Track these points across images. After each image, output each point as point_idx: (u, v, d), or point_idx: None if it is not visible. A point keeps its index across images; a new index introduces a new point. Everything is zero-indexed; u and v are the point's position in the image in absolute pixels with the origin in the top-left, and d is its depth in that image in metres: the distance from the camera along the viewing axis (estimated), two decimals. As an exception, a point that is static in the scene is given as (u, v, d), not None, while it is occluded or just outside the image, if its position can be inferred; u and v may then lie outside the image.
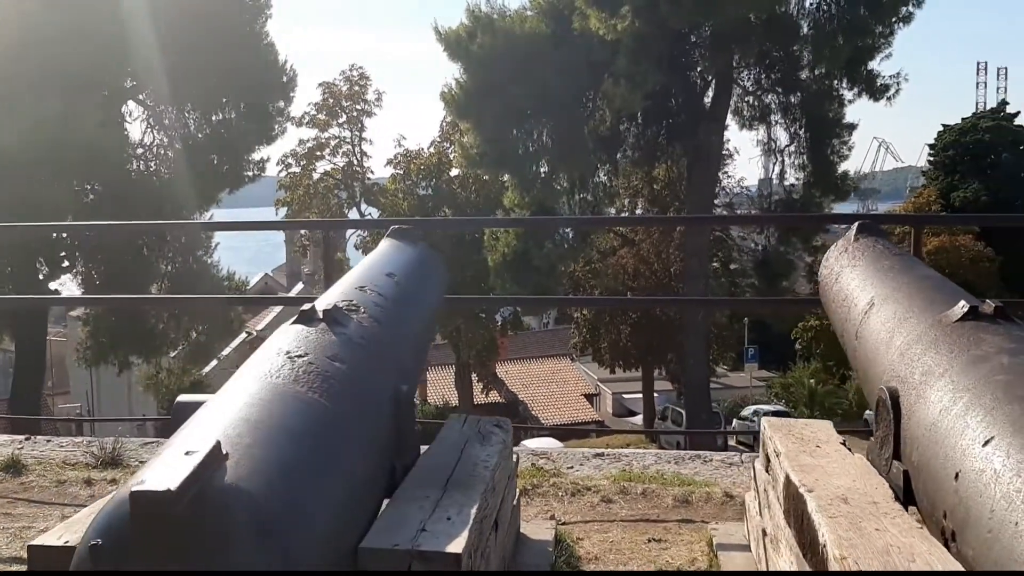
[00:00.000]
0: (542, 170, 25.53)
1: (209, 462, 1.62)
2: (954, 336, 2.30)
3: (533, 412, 40.13)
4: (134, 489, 1.52)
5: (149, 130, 22.30)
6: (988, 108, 51.95)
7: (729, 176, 32.02)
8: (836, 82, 24.92)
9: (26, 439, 5.53)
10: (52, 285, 21.37)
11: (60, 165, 18.37)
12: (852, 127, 25.88)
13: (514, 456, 3.31)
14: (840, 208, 27.16)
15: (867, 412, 31.05)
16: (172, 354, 25.03)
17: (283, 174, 38.03)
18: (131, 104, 22.02)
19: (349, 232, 33.02)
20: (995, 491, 1.73)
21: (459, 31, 23.88)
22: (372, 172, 39.53)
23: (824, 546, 2.00)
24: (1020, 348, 2.15)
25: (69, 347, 36.08)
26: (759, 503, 3.08)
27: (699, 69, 25.91)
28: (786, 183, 27.07)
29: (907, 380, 2.32)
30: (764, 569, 2.94)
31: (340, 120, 38.40)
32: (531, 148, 25.05)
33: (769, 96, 26.36)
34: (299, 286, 49.40)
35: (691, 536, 3.65)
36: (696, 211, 25.02)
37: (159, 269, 22.03)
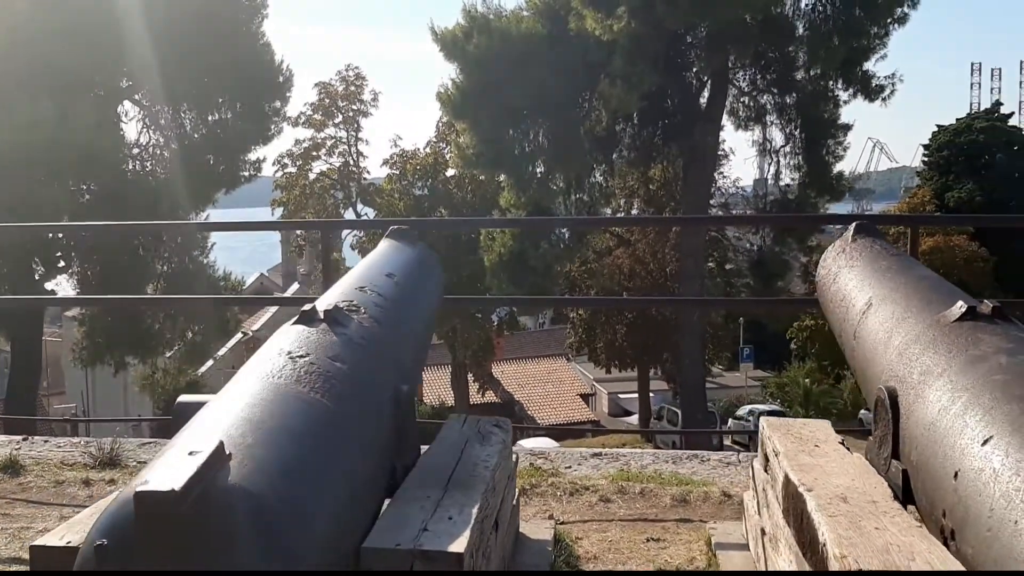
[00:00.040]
0: (538, 170, 25.53)
1: (212, 462, 1.62)
2: (952, 336, 2.32)
3: (529, 412, 40.15)
4: (139, 489, 1.52)
5: (145, 130, 22.27)
6: (982, 109, 52.11)
7: (725, 176, 32.11)
8: (831, 83, 24.99)
9: (23, 439, 5.52)
10: (48, 285, 21.32)
11: (56, 165, 18.32)
12: (847, 128, 25.96)
13: (514, 456, 3.32)
14: (835, 208, 27.24)
15: (862, 411, 31.13)
16: (168, 354, 24.98)
17: (279, 174, 38.00)
18: (127, 104, 21.98)
19: (345, 232, 33.00)
20: (994, 490, 1.75)
21: (455, 31, 23.88)
22: (368, 172, 39.55)
23: (824, 545, 2.01)
24: (1018, 348, 2.17)
25: (64, 347, 35.99)
26: (758, 502, 3.09)
27: (695, 70, 25.95)
28: (781, 183, 27.13)
29: (906, 380, 2.33)
30: (763, 568, 2.95)
31: (336, 120, 38.38)
32: (527, 148, 25.06)
33: (765, 97, 26.42)
34: (295, 286, 49.34)
35: (689, 535, 3.66)
36: (692, 211, 25.06)
37: (155, 269, 21.98)
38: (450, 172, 35.12)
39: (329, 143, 38.63)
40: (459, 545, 2.04)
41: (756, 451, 5.20)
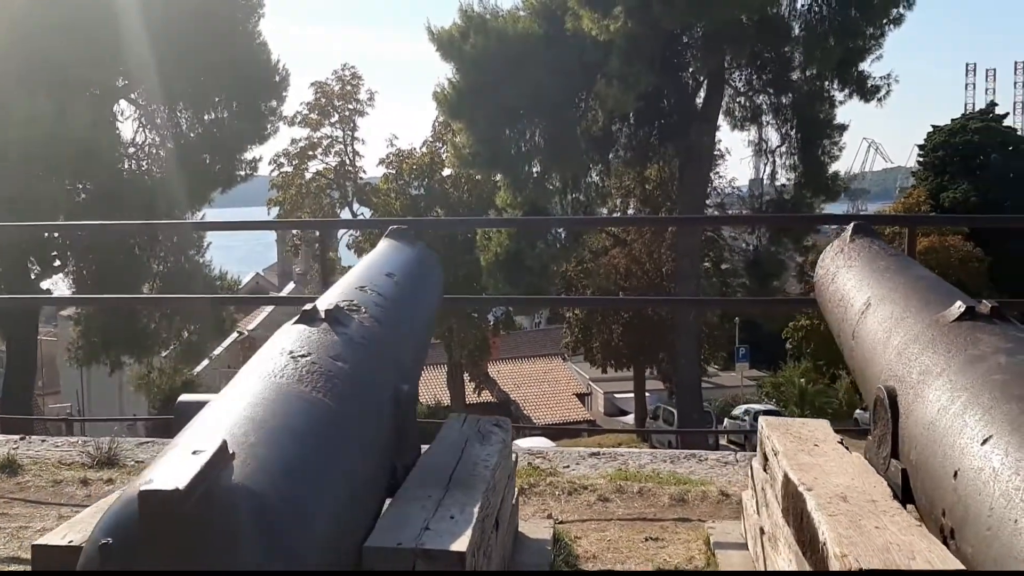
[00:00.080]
0: (534, 170, 25.54)
1: (216, 461, 1.63)
2: (951, 336, 2.33)
3: (525, 412, 40.15)
4: (143, 488, 1.52)
5: (141, 129, 22.22)
6: (977, 109, 52.29)
7: (721, 176, 32.15)
8: (827, 83, 25.04)
9: (21, 439, 5.52)
10: (44, 284, 21.27)
11: (52, 164, 18.28)
12: (843, 128, 26.01)
13: (513, 455, 3.33)
14: (829, 209, 27.29)
15: (858, 411, 31.23)
16: (163, 354, 24.95)
17: (275, 173, 37.96)
18: (123, 103, 21.94)
19: (341, 232, 33.00)
20: (994, 489, 1.76)
21: (452, 31, 23.87)
22: (364, 172, 39.52)
23: (824, 544, 2.02)
24: (1017, 348, 2.18)
25: (59, 347, 35.91)
26: (757, 502, 3.10)
27: (691, 70, 25.98)
28: (777, 183, 27.18)
29: (905, 379, 2.34)
30: (762, 567, 2.96)
31: (332, 120, 38.36)
32: (523, 148, 25.06)
33: (760, 97, 26.45)
34: (291, 285, 49.28)
35: (688, 535, 3.67)
36: (688, 211, 25.09)
37: (151, 269, 21.95)
38: (446, 172, 35.11)
39: (325, 143, 38.62)
40: (461, 544, 2.05)
41: (751, 451, 5.23)
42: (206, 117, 22.01)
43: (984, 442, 1.88)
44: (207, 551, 1.53)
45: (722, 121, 26.53)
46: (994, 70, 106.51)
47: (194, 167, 21.19)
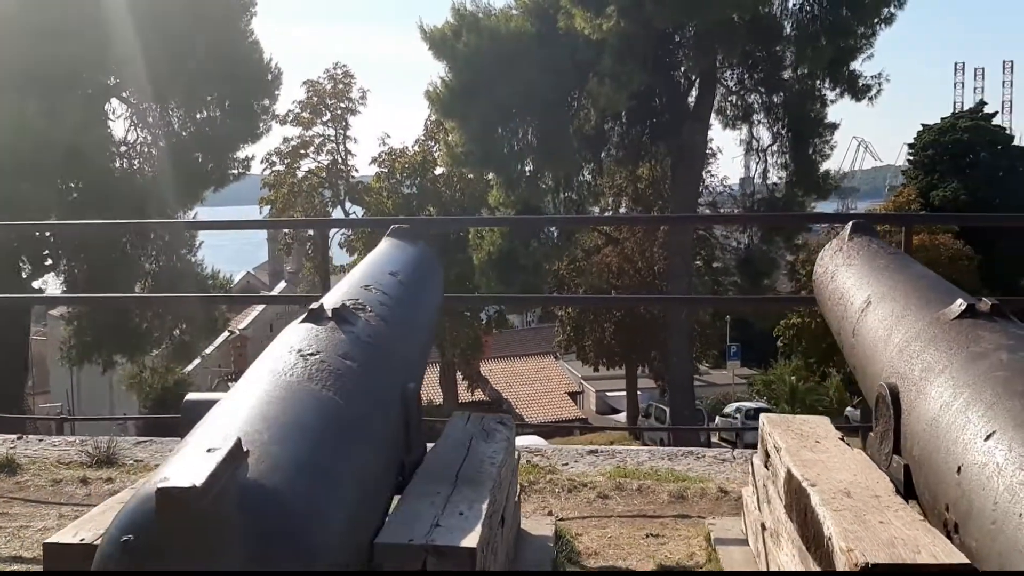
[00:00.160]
0: (527, 169, 25.58)
1: (232, 459, 1.64)
2: (952, 333, 2.36)
3: (517, 410, 40.17)
4: (160, 485, 1.54)
5: (132, 128, 22.15)
6: (966, 108, 52.54)
7: (712, 175, 32.24)
8: (818, 82, 25.15)
9: (18, 438, 5.51)
10: (35, 284, 21.18)
11: (43, 163, 18.20)
12: (834, 127, 26.16)
13: (516, 453, 3.35)
14: (820, 207, 27.43)
15: (848, 409, 31.38)
16: (154, 353, 24.87)
17: (267, 172, 37.89)
18: (114, 102, 21.86)
19: (333, 231, 32.97)
20: (998, 484, 1.78)
21: (444, 30, 23.87)
22: (356, 170, 39.49)
23: (829, 539, 2.04)
24: (1018, 345, 2.21)
25: (49, 346, 35.78)
26: (758, 498, 3.13)
27: (683, 69, 26.04)
28: (768, 182, 27.27)
29: (907, 376, 2.37)
30: (763, 562, 2.99)
31: (324, 118, 38.30)
32: (516, 147, 25.09)
33: (752, 96, 26.55)
34: (281, 284, 49.25)
35: (688, 531, 3.70)
36: (680, 210, 25.17)
37: (143, 268, 21.88)
38: (439, 170, 35.12)
39: (317, 141, 38.57)
40: (471, 540, 2.06)
41: (741, 447, 5.26)
42: (198, 116, 21.96)
43: (987, 438, 1.90)
44: (226, 548, 1.54)
45: (714, 120, 26.67)
46: (983, 69, 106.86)
47: (186, 166, 21.13)
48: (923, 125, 45.93)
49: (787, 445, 2.72)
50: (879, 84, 24.61)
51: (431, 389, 38.93)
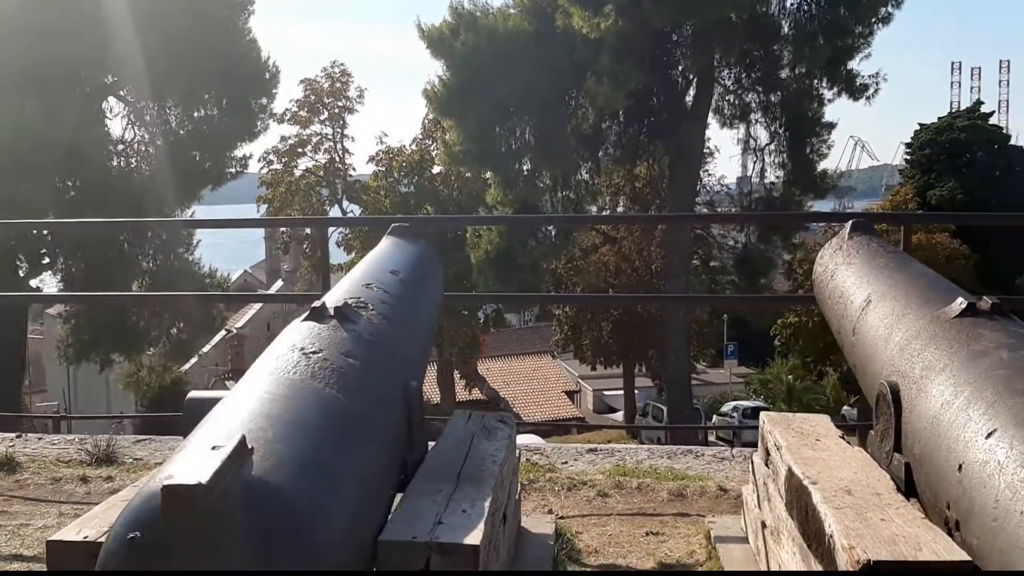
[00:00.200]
0: (525, 168, 25.55)
1: (236, 456, 1.65)
2: (953, 332, 2.37)
3: (514, 409, 40.16)
4: (165, 483, 1.54)
5: (130, 126, 22.11)
6: (962, 107, 52.65)
7: (710, 174, 32.22)
8: (816, 81, 25.13)
9: (17, 436, 5.51)
10: (32, 282, 21.15)
11: (42, 163, 18.18)
12: (831, 126, 26.12)
13: (517, 451, 3.36)
14: (817, 206, 27.45)
15: (845, 408, 31.42)
16: (150, 351, 24.84)
17: (265, 171, 37.83)
18: (111, 100, 21.83)
19: (331, 230, 32.90)
20: (999, 481, 1.79)
21: (442, 28, 23.84)
22: (354, 169, 39.44)
23: (831, 536, 2.05)
24: (1018, 343, 2.22)
25: (46, 345, 35.74)
26: (758, 496, 3.14)
27: (681, 68, 26.03)
28: (766, 181, 27.27)
29: (907, 375, 2.37)
30: (763, 560, 3.00)
31: (322, 117, 38.25)
32: (514, 146, 25.06)
33: (750, 95, 26.53)
34: (279, 283, 49.19)
35: (688, 529, 3.71)
36: (677, 209, 25.16)
37: (140, 266, 21.85)
38: (436, 169, 35.07)
39: (315, 140, 38.51)
40: (475, 537, 2.07)
41: (739, 446, 5.29)
42: (195, 114, 21.92)
43: (988, 436, 1.91)
44: (230, 546, 1.55)
45: (711, 119, 26.62)
46: (979, 68, 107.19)
47: (183, 164, 21.09)
48: (920, 124, 46.02)
49: (788, 443, 2.73)
50: (876, 83, 24.63)
51: (428, 388, 38.95)
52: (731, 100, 26.64)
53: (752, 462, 3.29)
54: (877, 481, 2.33)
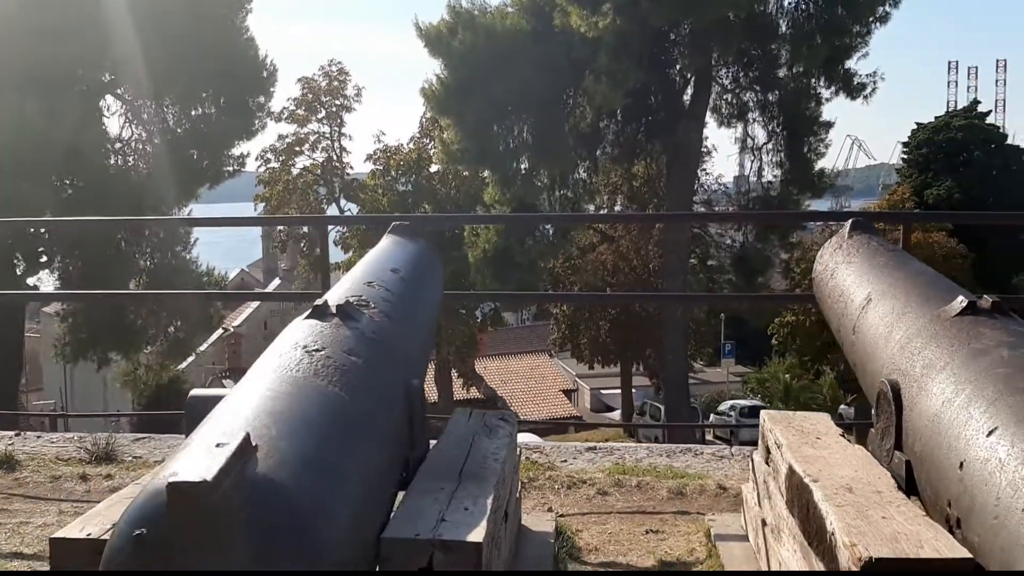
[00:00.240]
0: (522, 166, 25.55)
1: (240, 454, 1.65)
2: (954, 330, 2.37)
3: (512, 408, 40.20)
4: (171, 480, 1.54)
5: (128, 125, 22.08)
6: (959, 107, 52.72)
7: (707, 173, 32.25)
8: (814, 80, 25.16)
9: (16, 435, 5.51)
10: (30, 281, 21.12)
11: (42, 163, 18.16)
12: (829, 125, 26.14)
13: (518, 450, 3.36)
14: (814, 205, 27.49)
15: (842, 407, 31.44)
16: (147, 350, 24.83)
17: (262, 169, 37.80)
18: (109, 98, 21.79)
19: (328, 227, 32.83)
20: (1000, 479, 1.80)
21: (440, 27, 23.82)
22: (351, 168, 39.41)
23: (832, 534, 2.06)
24: (1018, 342, 2.22)
25: (42, 344, 35.68)
26: (758, 494, 3.14)
27: (678, 67, 26.04)
28: (763, 180, 27.30)
29: (908, 373, 2.38)
30: (763, 558, 3.00)
31: (319, 115, 38.21)
32: (511, 144, 25.06)
33: (747, 94, 26.55)
34: (276, 281, 49.17)
35: (688, 527, 3.72)
36: (675, 208, 25.18)
37: (138, 265, 21.83)
38: (434, 168, 35.06)
39: (312, 138, 38.48)
40: (477, 535, 2.08)
41: (736, 444, 5.30)
42: (193, 112, 21.90)
43: (990, 433, 1.92)
44: (234, 543, 1.55)
45: (709, 118, 26.63)
46: (976, 68, 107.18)
47: (181, 163, 21.07)
48: (917, 124, 46.09)
49: (788, 441, 2.74)
50: (874, 83, 24.66)
51: (426, 387, 38.92)
52: (729, 99, 26.66)
53: (752, 460, 3.30)
54: (878, 479, 2.34)
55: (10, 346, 21.21)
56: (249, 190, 38.49)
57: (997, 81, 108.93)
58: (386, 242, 3.66)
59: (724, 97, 26.65)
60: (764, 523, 2.98)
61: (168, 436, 5.54)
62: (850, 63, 24.38)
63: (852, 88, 24.57)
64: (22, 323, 22.93)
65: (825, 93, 25.25)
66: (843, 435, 2.84)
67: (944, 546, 1.90)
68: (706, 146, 30.28)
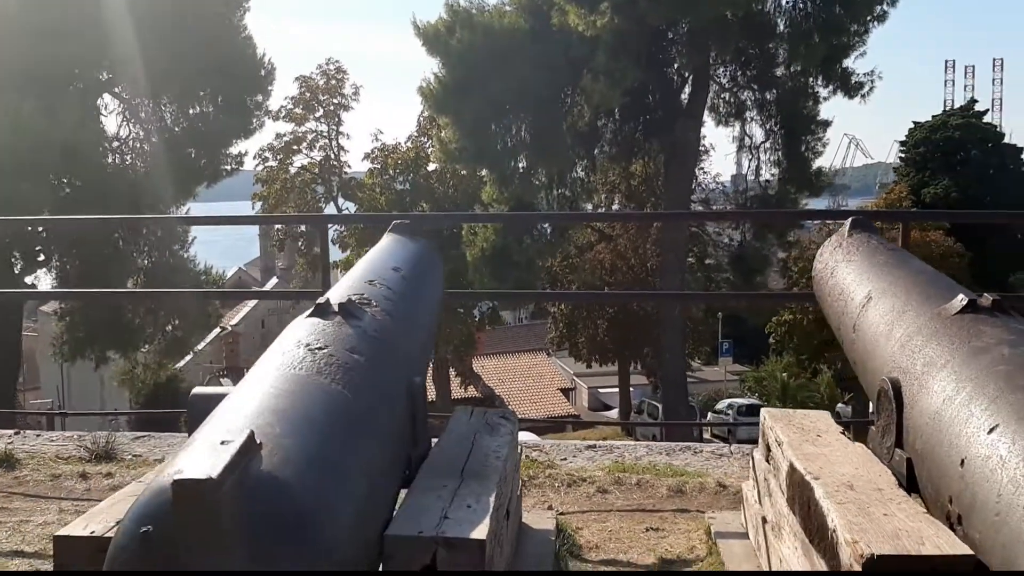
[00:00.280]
0: (520, 165, 25.55)
1: (245, 451, 1.65)
2: (954, 328, 2.38)
3: (510, 406, 40.16)
4: (176, 477, 1.54)
5: (125, 123, 22.06)
6: (956, 106, 52.79)
7: (705, 172, 32.28)
8: (811, 79, 25.17)
9: (15, 433, 5.51)
10: (27, 279, 21.09)
11: (41, 162, 18.14)
12: (826, 124, 26.16)
13: (519, 448, 3.37)
14: (811, 204, 27.51)
15: (839, 405, 31.49)
16: (144, 348, 24.81)
17: (260, 168, 37.78)
18: (106, 97, 21.77)
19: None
20: (1002, 476, 1.81)
21: (438, 26, 23.82)
22: (349, 166, 39.40)
23: (834, 531, 2.07)
24: (1019, 340, 2.23)
25: (40, 342, 35.62)
26: (758, 492, 3.15)
27: (676, 66, 26.06)
28: (761, 179, 27.31)
29: (909, 371, 2.39)
30: (764, 555, 3.01)
31: (317, 114, 38.19)
32: (509, 143, 25.06)
33: (745, 93, 26.56)
34: (273, 280, 49.15)
35: (688, 525, 3.73)
36: (673, 207, 25.19)
37: (136, 264, 21.81)
38: (432, 167, 35.06)
39: (310, 137, 38.46)
40: (480, 532, 2.08)
41: (734, 443, 5.32)
42: (191, 111, 21.89)
43: (991, 431, 1.93)
44: (240, 540, 1.55)
45: (707, 117, 26.65)
46: (973, 67, 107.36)
47: (179, 161, 21.06)
48: (914, 123, 46.15)
49: (789, 439, 2.75)
50: (872, 82, 24.69)
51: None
52: (726, 98, 26.68)
53: (752, 458, 3.31)
54: (879, 476, 2.35)
55: (8, 345, 21.18)
56: (247, 189, 38.47)
57: (994, 80, 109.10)
58: (387, 241, 3.66)
59: (722, 96, 26.67)
60: (764, 520, 2.99)
61: (167, 435, 5.54)
62: (848, 62, 24.44)
63: (849, 87, 24.60)
64: (20, 322, 22.90)
65: (823, 92, 25.30)
66: (844, 433, 2.85)
67: (945, 543, 1.91)
68: (704, 145, 30.36)
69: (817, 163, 26.88)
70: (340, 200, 38.59)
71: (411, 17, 23.84)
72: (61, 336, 22.09)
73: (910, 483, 2.27)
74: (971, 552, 1.86)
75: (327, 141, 38.51)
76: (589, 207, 29.63)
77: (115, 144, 21.94)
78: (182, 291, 18.56)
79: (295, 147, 38.31)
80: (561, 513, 3.84)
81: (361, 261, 3.40)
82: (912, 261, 3.18)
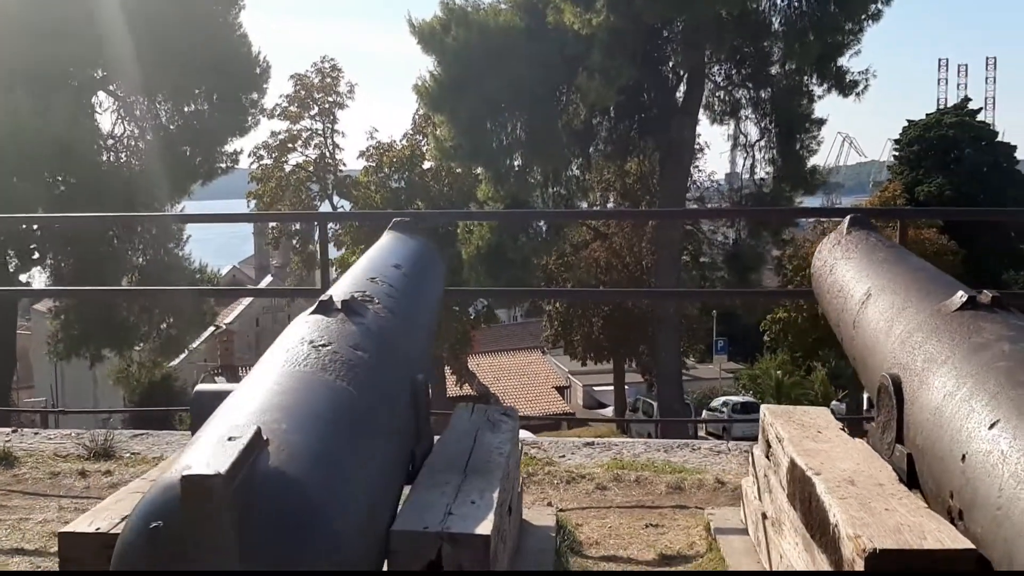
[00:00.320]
0: (515, 163, 25.57)
1: (253, 447, 1.66)
2: (954, 324, 2.40)
3: (505, 404, 40.18)
4: (184, 473, 1.55)
5: (120, 121, 22.01)
6: (950, 104, 52.95)
7: (700, 170, 32.32)
8: (806, 78, 25.23)
9: (13, 431, 5.50)
10: (22, 277, 21.04)
11: (32, 158, 18.08)
12: (821, 122, 26.24)
13: (520, 445, 3.38)
14: (806, 203, 27.57)
15: (833, 403, 31.59)
16: (138, 347, 24.77)
17: (255, 166, 37.70)
18: (101, 95, 21.72)
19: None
20: (1003, 471, 1.82)
21: (433, 24, 23.81)
22: (344, 164, 39.37)
23: (836, 526, 2.08)
24: (1019, 336, 2.25)
25: (33, 341, 35.56)
26: (758, 488, 3.17)
27: (671, 64, 26.09)
28: (756, 177, 27.37)
29: (909, 367, 2.40)
30: (764, 551, 3.03)
31: (312, 112, 38.13)
32: (505, 141, 25.06)
33: (740, 91, 26.61)
34: (268, 278, 49.08)
35: (687, 521, 3.74)
36: (668, 205, 25.22)
37: (130, 262, 21.77)
38: (427, 165, 35.03)
39: (305, 135, 38.40)
40: (485, 528, 2.09)
41: (729, 440, 5.33)
42: (186, 109, 21.86)
43: (992, 426, 1.94)
44: (249, 536, 1.56)
45: (702, 115, 26.71)
46: (966, 65, 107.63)
47: (174, 159, 21.04)
48: (908, 121, 46.29)
49: (789, 435, 2.76)
50: (866, 80, 24.75)
51: (420, 383, 38.80)
52: (721, 96, 26.73)
53: (752, 454, 3.33)
54: (879, 472, 2.36)
55: (2, 343, 21.12)
56: (242, 187, 38.40)
57: (987, 79, 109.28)
58: (387, 238, 3.67)
59: (717, 94, 26.72)
60: (764, 516, 3.01)
61: (165, 432, 5.54)
62: (842, 60, 24.52)
63: (844, 85, 24.66)
64: (14, 320, 22.83)
65: (817, 90, 25.38)
66: (843, 429, 2.87)
67: (947, 537, 1.92)
68: (699, 143, 30.40)
69: (811, 161, 26.99)
70: (335, 198, 38.55)
71: (407, 15, 23.87)
72: (56, 334, 22.05)
73: (911, 479, 2.29)
74: (972, 546, 1.87)
75: (322, 139, 38.48)
76: (584, 205, 29.62)
77: (110, 142, 21.90)
78: (177, 288, 18.53)
79: (290, 145, 38.25)
80: (561, 510, 3.85)
81: (362, 258, 3.40)
82: (911, 258, 3.20)
